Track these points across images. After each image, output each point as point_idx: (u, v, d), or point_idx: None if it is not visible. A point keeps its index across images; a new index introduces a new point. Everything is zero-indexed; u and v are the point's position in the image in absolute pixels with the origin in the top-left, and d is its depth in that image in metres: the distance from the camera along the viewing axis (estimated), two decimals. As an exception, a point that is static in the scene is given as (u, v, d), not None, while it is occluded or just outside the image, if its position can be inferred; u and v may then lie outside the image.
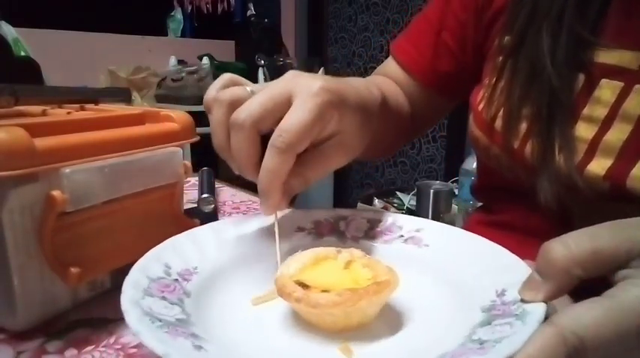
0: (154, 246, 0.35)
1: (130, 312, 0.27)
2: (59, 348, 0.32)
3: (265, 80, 2.29)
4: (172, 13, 2.51)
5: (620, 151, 0.39)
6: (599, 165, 0.40)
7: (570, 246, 0.25)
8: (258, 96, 0.34)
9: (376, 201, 2.13)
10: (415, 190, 1.89)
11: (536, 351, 0.22)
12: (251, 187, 0.76)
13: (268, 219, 0.42)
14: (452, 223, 0.45)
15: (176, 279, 0.34)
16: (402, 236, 0.41)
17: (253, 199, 0.68)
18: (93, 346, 0.32)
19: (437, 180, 2.05)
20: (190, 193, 0.70)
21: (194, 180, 0.72)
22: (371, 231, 0.42)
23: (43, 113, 0.41)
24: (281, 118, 0.33)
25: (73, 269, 0.33)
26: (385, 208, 2.05)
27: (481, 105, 0.49)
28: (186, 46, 2.47)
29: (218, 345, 0.28)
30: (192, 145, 0.45)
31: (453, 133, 2.29)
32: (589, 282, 0.25)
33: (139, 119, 0.42)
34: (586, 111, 0.41)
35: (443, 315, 0.32)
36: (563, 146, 0.41)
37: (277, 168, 0.33)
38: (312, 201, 2.63)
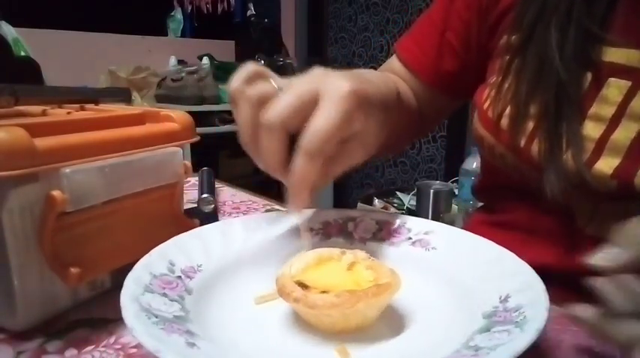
0: (154, 246, 0.35)
1: (127, 307, 0.27)
2: (59, 348, 0.32)
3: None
4: (172, 13, 2.51)
5: (628, 150, 0.39)
6: (606, 164, 0.40)
7: None
8: (286, 96, 0.34)
9: (376, 201, 2.13)
10: (415, 190, 1.89)
11: None
12: (251, 187, 0.76)
13: (274, 220, 0.42)
14: (452, 223, 0.45)
15: (179, 276, 0.34)
16: (410, 238, 0.41)
17: (253, 199, 0.68)
18: (93, 346, 0.32)
19: (437, 180, 2.04)
20: (190, 193, 0.70)
21: (194, 180, 0.72)
22: (379, 233, 0.42)
23: (43, 113, 0.41)
24: (308, 117, 0.33)
25: (73, 270, 0.33)
26: (385, 208, 2.05)
27: (486, 104, 0.49)
28: (186, 46, 2.47)
29: (213, 343, 0.28)
30: (192, 145, 0.45)
31: (453, 133, 2.29)
32: None
33: (139, 119, 0.42)
34: (593, 109, 0.41)
35: (444, 320, 0.32)
36: (570, 143, 0.41)
37: (308, 172, 0.33)
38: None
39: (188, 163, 0.44)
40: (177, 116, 0.43)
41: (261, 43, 2.45)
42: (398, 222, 0.43)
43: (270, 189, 0.77)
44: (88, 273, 0.35)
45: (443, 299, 0.35)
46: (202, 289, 0.34)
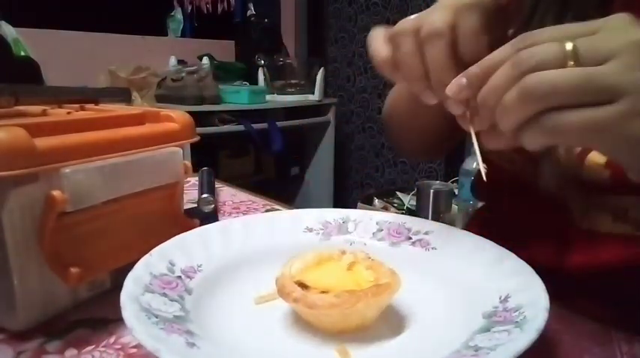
0: (154, 246, 0.35)
1: (127, 307, 0.27)
2: (59, 348, 0.32)
3: (265, 80, 2.29)
4: (172, 13, 2.50)
5: None
6: (599, 154, 0.40)
7: None
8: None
9: (376, 201, 2.13)
10: (415, 190, 1.89)
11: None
12: (251, 187, 0.76)
13: (274, 220, 0.42)
14: (452, 223, 0.45)
15: (179, 276, 0.34)
16: (410, 238, 0.41)
17: (253, 199, 0.68)
18: (93, 346, 0.32)
19: (437, 180, 2.04)
20: (190, 193, 0.69)
21: (194, 180, 0.72)
22: (379, 233, 0.42)
23: (43, 113, 0.41)
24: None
25: (73, 270, 0.33)
26: (385, 208, 2.05)
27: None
28: (186, 46, 2.47)
29: (213, 343, 0.28)
30: (192, 145, 0.45)
31: (453, 133, 2.29)
32: None
33: (139, 119, 0.42)
34: None
35: (444, 320, 0.32)
36: None
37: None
38: (312, 201, 2.63)
39: (188, 163, 0.44)
40: (177, 116, 0.43)
41: (261, 43, 2.45)
42: (398, 222, 0.43)
43: (270, 189, 0.77)
44: (88, 273, 0.35)
45: (443, 299, 0.35)
46: (202, 289, 0.34)
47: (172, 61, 2.28)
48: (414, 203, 1.90)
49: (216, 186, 0.75)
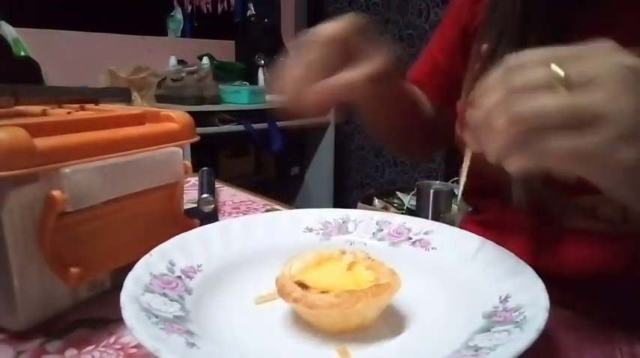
0: (154, 246, 0.35)
1: (127, 307, 0.27)
2: (59, 348, 0.32)
3: (265, 80, 2.29)
4: (172, 13, 2.50)
5: None
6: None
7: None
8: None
9: (376, 201, 2.13)
10: (415, 190, 1.89)
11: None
12: (251, 187, 0.76)
13: (274, 220, 0.43)
14: (452, 223, 0.46)
15: (179, 276, 0.34)
16: (410, 238, 0.41)
17: (253, 199, 0.68)
18: (93, 346, 0.32)
19: (437, 180, 2.04)
20: (190, 193, 0.69)
21: (194, 180, 0.72)
22: (379, 233, 0.42)
23: (43, 113, 0.41)
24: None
25: (73, 270, 0.33)
26: (385, 208, 2.05)
27: (460, 109, 0.51)
28: (186, 46, 2.47)
29: (213, 343, 0.28)
30: (192, 145, 0.45)
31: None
32: None
33: (139, 119, 0.42)
34: None
35: (444, 320, 0.32)
36: None
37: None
38: (312, 201, 2.63)
39: (188, 163, 0.44)
40: (177, 116, 0.43)
41: (261, 43, 2.45)
42: (398, 222, 0.43)
43: (270, 189, 0.77)
44: (88, 273, 0.35)
45: (443, 299, 0.35)
46: (202, 289, 0.34)
47: (172, 61, 2.28)
48: (414, 203, 1.90)
49: (216, 186, 0.75)
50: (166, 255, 0.35)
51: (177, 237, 0.37)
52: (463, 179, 0.39)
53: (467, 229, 0.42)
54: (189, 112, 0.45)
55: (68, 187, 0.33)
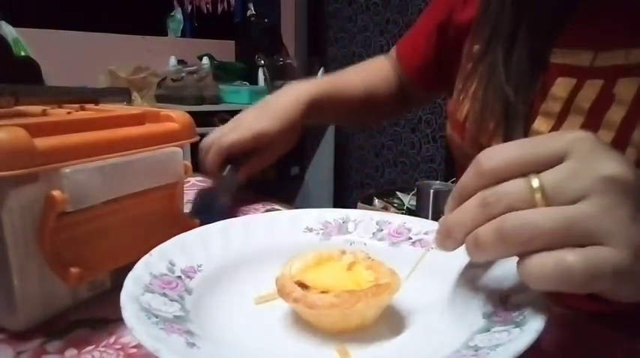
0: (154, 246, 0.35)
1: (127, 307, 0.27)
2: (59, 348, 0.32)
3: (265, 80, 2.29)
4: (172, 13, 2.50)
5: None
6: None
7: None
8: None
9: (376, 201, 2.13)
10: (415, 190, 1.88)
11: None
12: (251, 187, 0.75)
13: (274, 220, 0.43)
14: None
15: (179, 276, 0.34)
16: (410, 238, 0.41)
17: (253, 199, 0.68)
18: (93, 346, 0.32)
19: (437, 180, 2.04)
20: (190, 193, 0.69)
21: (194, 180, 0.72)
22: (379, 233, 0.42)
23: (43, 113, 0.41)
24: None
25: (73, 270, 0.33)
26: (385, 208, 2.05)
27: (452, 107, 0.53)
28: (186, 46, 2.47)
29: (213, 343, 0.28)
30: (193, 145, 0.45)
31: (452, 133, 2.29)
32: None
33: (139, 119, 0.42)
34: (543, 107, 0.44)
35: (444, 320, 0.32)
36: None
37: (214, 159, 0.60)
38: (312, 201, 2.63)
39: (188, 163, 0.44)
40: (177, 116, 0.43)
41: (261, 43, 2.45)
42: (398, 222, 0.43)
43: (270, 189, 0.77)
44: (88, 273, 0.35)
45: (443, 299, 0.34)
46: (202, 289, 0.34)
47: (172, 61, 2.28)
48: (414, 203, 1.90)
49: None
50: (166, 255, 0.35)
51: (177, 237, 0.37)
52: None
53: None
54: (189, 112, 0.45)
55: (68, 187, 0.33)
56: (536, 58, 0.44)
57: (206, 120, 1.96)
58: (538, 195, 0.25)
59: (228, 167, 0.59)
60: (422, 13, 0.70)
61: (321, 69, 2.36)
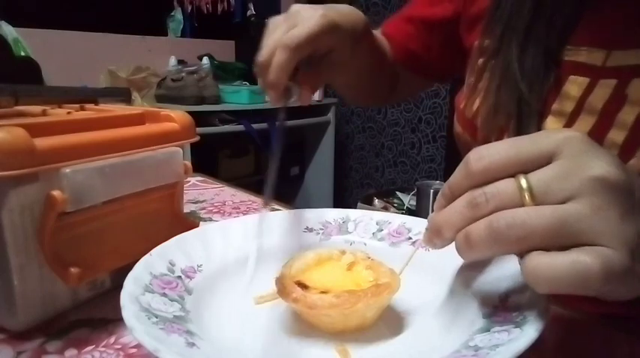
0: (154, 246, 0.35)
1: (127, 307, 0.27)
2: (59, 348, 0.32)
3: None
4: (172, 13, 2.50)
5: None
6: None
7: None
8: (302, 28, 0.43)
9: (376, 201, 2.13)
10: (415, 190, 1.89)
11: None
12: (251, 187, 0.76)
13: (277, 220, 0.43)
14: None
15: (179, 276, 0.34)
16: (409, 238, 0.41)
17: (253, 199, 0.68)
18: (93, 346, 0.32)
19: (437, 180, 2.04)
20: (190, 193, 0.70)
21: (194, 180, 0.73)
22: (379, 233, 0.42)
23: (43, 113, 0.41)
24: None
25: (73, 270, 0.33)
26: (385, 208, 2.05)
27: (463, 104, 0.52)
28: (186, 46, 2.47)
29: (213, 343, 0.28)
30: (192, 145, 0.45)
31: (452, 133, 2.28)
32: None
33: (139, 119, 0.42)
34: (555, 106, 0.43)
35: (444, 320, 0.32)
36: None
37: (283, 61, 0.42)
38: (312, 201, 2.63)
39: (188, 163, 0.44)
40: (177, 116, 0.43)
41: (261, 42, 2.45)
42: (398, 222, 0.43)
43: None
44: (88, 273, 0.35)
45: (443, 299, 0.34)
46: (202, 289, 0.34)
47: (172, 61, 2.28)
48: (414, 203, 1.90)
49: (216, 186, 0.75)
50: (166, 255, 0.35)
51: (177, 237, 0.37)
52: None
53: None
54: (189, 112, 0.45)
55: (68, 187, 0.33)
56: (551, 54, 0.44)
57: (206, 120, 1.96)
58: (527, 196, 0.25)
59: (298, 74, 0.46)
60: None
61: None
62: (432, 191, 1.72)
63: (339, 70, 0.50)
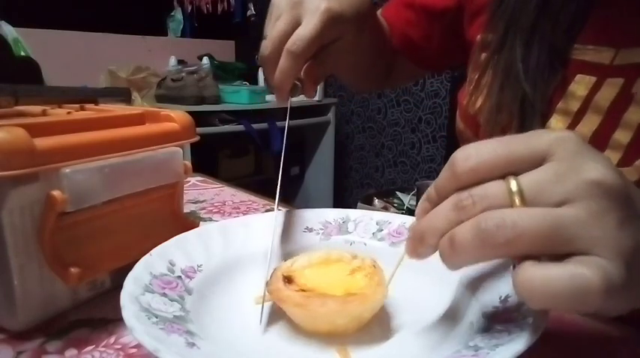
0: (154, 246, 0.35)
1: (127, 308, 0.27)
2: (59, 348, 0.32)
3: (265, 80, 2.29)
4: (172, 13, 2.51)
5: (590, 141, 0.40)
6: None
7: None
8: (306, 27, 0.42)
9: (376, 201, 2.13)
10: (415, 190, 1.89)
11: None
12: (251, 187, 0.76)
13: (275, 219, 0.43)
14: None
15: (179, 276, 0.34)
16: None
17: (253, 199, 0.68)
18: (93, 346, 0.32)
19: (437, 180, 2.04)
20: (190, 193, 0.70)
21: (194, 180, 0.73)
22: (379, 233, 0.42)
23: (43, 113, 0.41)
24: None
25: (73, 270, 0.33)
26: (385, 208, 2.05)
27: (466, 100, 0.51)
28: (186, 46, 2.47)
29: (213, 343, 0.28)
30: (192, 145, 0.45)
31: (452, 133, 2.28)
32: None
33: (139, 119, 0.42)
34: (561, 105, 0.43)
35: (445, 320, 0.32)
36: None
37: (289, 68, 0.42)
38: (312, 201, 2.63)
39: (188, 163, 0.44)
40: (177, 116, 0.43)
41: (261, 42, 2.45)
42: (398, 222, 0.43)
43: (270, 189, 0.77)
44: (88, 273, 0.35)
45: (443, 299, 0.34)
46: (202, 289, 0.34)
47: (172, 61, 2.29)
48: (414, 203, 1.90)
49: (216, 185, 0.75)
50: (166, 255, 0.35)
51: (177, 237, 0.37)
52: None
53: None
54: (189, 112, 0.45)
55: (68, 187, 0.33)
56: (557, 53, 0.43)
57: (206, 120, 1.96)
58: (517, 199, 0.23)
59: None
60: None
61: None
62: (432, 191, 1.72)
63: (342, 57, 0.48)
